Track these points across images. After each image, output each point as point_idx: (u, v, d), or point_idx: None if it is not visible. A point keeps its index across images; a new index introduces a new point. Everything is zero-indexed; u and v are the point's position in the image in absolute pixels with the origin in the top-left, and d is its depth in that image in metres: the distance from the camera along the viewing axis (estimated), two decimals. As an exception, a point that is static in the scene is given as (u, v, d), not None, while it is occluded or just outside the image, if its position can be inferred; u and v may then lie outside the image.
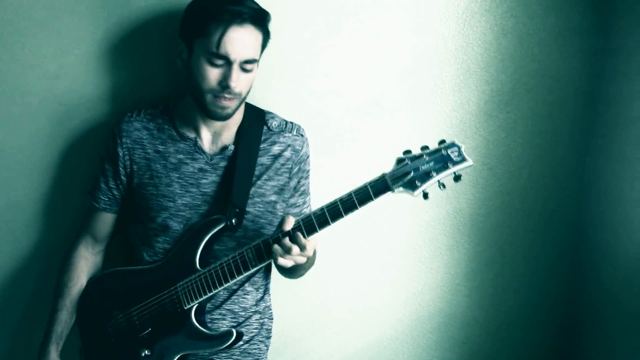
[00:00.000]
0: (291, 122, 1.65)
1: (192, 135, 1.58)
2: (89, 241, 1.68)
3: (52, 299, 1.65)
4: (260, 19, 1.47)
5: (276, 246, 1.41)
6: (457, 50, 1.85)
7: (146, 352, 1.54)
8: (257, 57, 1.48)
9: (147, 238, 1.59)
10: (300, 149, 1.64)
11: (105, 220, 1.66)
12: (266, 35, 1.51)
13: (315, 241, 1.44)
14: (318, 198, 1.79)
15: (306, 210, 1.72)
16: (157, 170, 1.56)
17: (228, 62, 1.44)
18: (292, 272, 1.63)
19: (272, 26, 1.52)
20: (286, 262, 1.41)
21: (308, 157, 1.68)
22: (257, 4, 1.49)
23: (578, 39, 1.90)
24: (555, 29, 1.88)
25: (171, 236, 1.56)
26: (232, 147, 1.57)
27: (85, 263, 1.66)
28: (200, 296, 1.50)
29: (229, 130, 1.59)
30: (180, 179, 1.55)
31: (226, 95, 1.46)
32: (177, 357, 1.54)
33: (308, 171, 1.70)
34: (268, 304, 1.74)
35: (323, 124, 1.83)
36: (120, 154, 1.57)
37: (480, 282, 2.05)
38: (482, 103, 1.90)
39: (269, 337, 1.74)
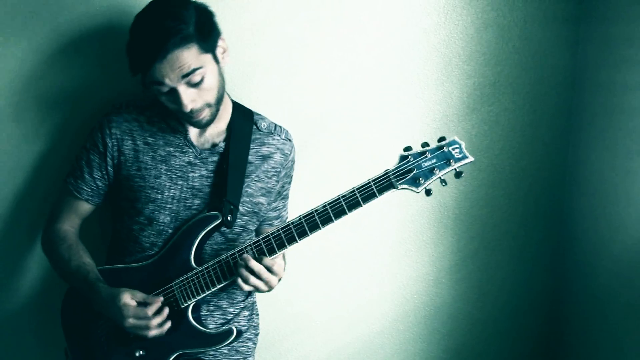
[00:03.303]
0: (279, 126, 1.65)
1: (181, 128, 1.56)
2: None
3: (64, 274, 1.54)
4: (185, 40, 1.35)
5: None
6: (439, 44, 1.85)
7: (140, 352, 1.50)
8: (197, 66, 1.38)
9: (133, 232, 1.56)
10: (289, 153, 1.64)
11: (83, 212, 1.61)
12: (202, 38, 1.39)
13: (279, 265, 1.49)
14: (303, 196, 1.79)
15: (284, 214, 1.73)
16: (145, 162, 1.54)
17: (170, 88, 1.40)
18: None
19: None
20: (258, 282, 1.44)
21: (294, 162, 1.68)
22: (179, 20, 1.35)
23: (559, 29, 1.91)
24: (536, 20, 1.88)
25: (158, 229, 1.54)
26: (222, 144, 1.56)
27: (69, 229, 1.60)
28: (198, 294, 1.48)
29: (216, 124, 1.56)
30: (168, 171, 1.54)
31: (192, 115, 1.45)
32: (173, 357, 1.51)
33: (292, 177, 1.70)
34: (254, 299, 1.74)
35: (306, 119, 1.81)
36: (109, 145, 1.54)
37: (464, 274, 2.06)
38: (465, 96, 1.89)
39: (256, 335, 1.74)
